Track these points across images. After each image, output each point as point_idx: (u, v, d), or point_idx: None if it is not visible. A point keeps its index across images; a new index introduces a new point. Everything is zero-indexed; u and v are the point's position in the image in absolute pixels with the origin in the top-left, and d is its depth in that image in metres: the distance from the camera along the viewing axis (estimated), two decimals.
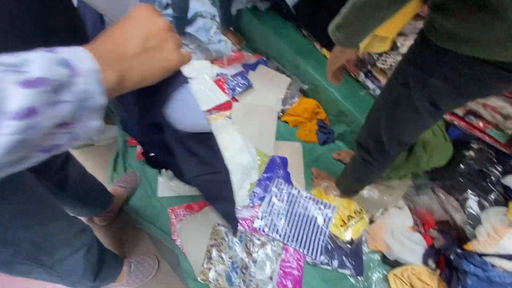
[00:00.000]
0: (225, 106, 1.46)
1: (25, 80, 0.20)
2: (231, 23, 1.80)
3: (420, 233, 1.12)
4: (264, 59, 1.69)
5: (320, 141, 1.43)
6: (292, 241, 1.08)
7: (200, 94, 1.47)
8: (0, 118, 0.19)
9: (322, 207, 1.16)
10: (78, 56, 0.24)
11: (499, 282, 0.88)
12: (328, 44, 1.47)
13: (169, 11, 1.77)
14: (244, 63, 1.67)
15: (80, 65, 0.23)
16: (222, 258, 1.04)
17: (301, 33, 1.59)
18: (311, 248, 1.07)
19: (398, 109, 0.70)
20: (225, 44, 1.80)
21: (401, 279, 1.05)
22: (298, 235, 1.09)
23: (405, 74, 0.65)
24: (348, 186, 1.13)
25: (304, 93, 1.54)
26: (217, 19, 1.86)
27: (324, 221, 1.12)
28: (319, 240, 1.09)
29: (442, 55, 0.55)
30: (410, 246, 1.07)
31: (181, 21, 1.65)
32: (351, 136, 1.38)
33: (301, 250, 1.07)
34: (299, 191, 1.19)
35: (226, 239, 1.07)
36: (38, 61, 0.21)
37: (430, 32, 0.56)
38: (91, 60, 0.24)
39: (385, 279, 1.08)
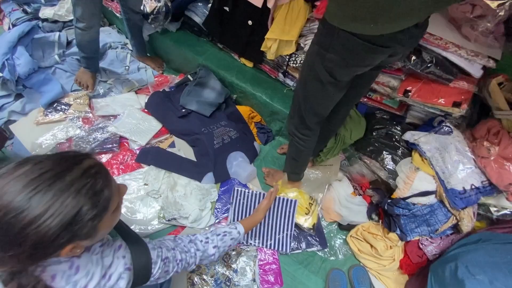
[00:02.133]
0: (163, 132, 1.47)
1: (216, 246, 0.85)
2: (146, 49, 1.78)
3: (361, 195, 1.35)
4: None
5: (262, 141, 1.56)
6: (264, 242, 1.17)
7: (134, 128, 1.44)
8: (208, 249, 0.82)
9: (283, 203, 1.27)
10: (242, 230, 0.94)
11: (421, 214, 1.13)
12: (244, 53, 1.59)
13: (74, 48, 1.65)
14: (170, 86, 1.68)
15: (241, 235, 0.94)
16: (204, 280, 1.08)
17: (217, 47, 1.67)
18: (281, 244, 1.18)
19: (309, 85, 0.86)
20: (145, 71, 1.77)
21: (356, 237, 1.25)
22: (268, 235, 1.19)
23: (311, 54, 0.81)
24: (291, 170, 1.25)
25: (237, 102, 1.64)
26: (129, 46, 1.81)
27: (287, 216, 1.23)
28: (286, 235, 1.20)
29: (332, 33, 0.71)
30: (356, 209, 1.28)
31: (93, 60, 1.55)
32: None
33: (272, 248, 1.17)
34: (259, 193, 1.28)
35: None
36: (233, 236, 0.91)
37: (326, 14, 0.72)
38: (243, 230, 0.94)
39: (345, 242, 1.28)
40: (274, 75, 1.54)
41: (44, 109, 1.43)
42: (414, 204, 1.13)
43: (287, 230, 1.21)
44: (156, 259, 0.64)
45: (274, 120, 1.57)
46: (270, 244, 1.18)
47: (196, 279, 1.08)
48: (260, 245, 1.17)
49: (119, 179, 1.24)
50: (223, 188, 1.32)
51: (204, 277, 1.08)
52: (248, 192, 1.26)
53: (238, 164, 1.35)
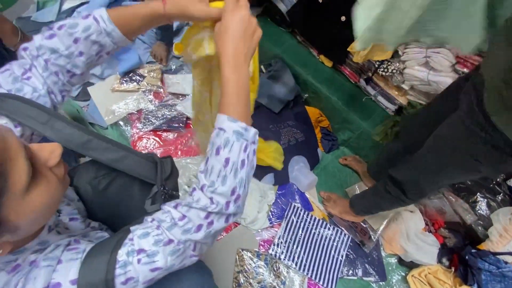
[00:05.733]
0: None
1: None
2: None
3: (430, 232, 1.19)
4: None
5: (326, 149, 1.45)
6: (308, 270, 1.09)
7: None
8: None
9: (339, 235, 1.17)
10: (248, 129, 0.47)
11: None
12: (325, 51, 1.46)
13: None
14: None
15: (245, 133, 0.47)
16: (250, 284, 1.04)
17: (296, 40, 1.57)
18: (326, 279, 1.08)
19: (454, 155, 0.70)
20: None
21: (419, 279, 1.11)
22: (314, 264, 1.10)
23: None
24: (366, 210, 1.13)
25: (306, 102, 1.53)
26: None
27: (339, 251, 1.14)
28: (334, 270, 1.10)
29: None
30: (425, 248, 1.13)
31: (167, 32, 1.54)
32: (356, 142, 1.41)
33: (316, 281, 1.07)
34: (316, 218, 1.19)
35: (253, 264, 1.07)
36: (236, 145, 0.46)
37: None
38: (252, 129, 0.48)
39: (404, 280, 1.15)
40: (355, 80, 1.40)
41: (120, 77, 1.46)
42: (506, 263, 0.96)
43: (335, 265, 1.11)
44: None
45: (343, 129, 1.44)
46: (314, 275, 1.08)
47: (242, 280, 1.04)
48: (302, 271, 1.08)
49: (181, 161, 1.23)
50: (280, 192, 1.25)
51: (251, 281, 1.04)
52: (303, 213, 1.19)
53: (299, 170, 1.27)
